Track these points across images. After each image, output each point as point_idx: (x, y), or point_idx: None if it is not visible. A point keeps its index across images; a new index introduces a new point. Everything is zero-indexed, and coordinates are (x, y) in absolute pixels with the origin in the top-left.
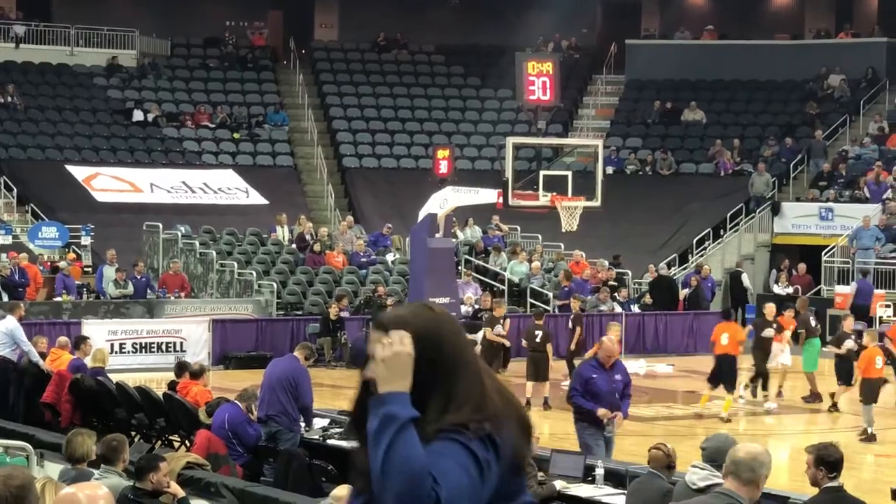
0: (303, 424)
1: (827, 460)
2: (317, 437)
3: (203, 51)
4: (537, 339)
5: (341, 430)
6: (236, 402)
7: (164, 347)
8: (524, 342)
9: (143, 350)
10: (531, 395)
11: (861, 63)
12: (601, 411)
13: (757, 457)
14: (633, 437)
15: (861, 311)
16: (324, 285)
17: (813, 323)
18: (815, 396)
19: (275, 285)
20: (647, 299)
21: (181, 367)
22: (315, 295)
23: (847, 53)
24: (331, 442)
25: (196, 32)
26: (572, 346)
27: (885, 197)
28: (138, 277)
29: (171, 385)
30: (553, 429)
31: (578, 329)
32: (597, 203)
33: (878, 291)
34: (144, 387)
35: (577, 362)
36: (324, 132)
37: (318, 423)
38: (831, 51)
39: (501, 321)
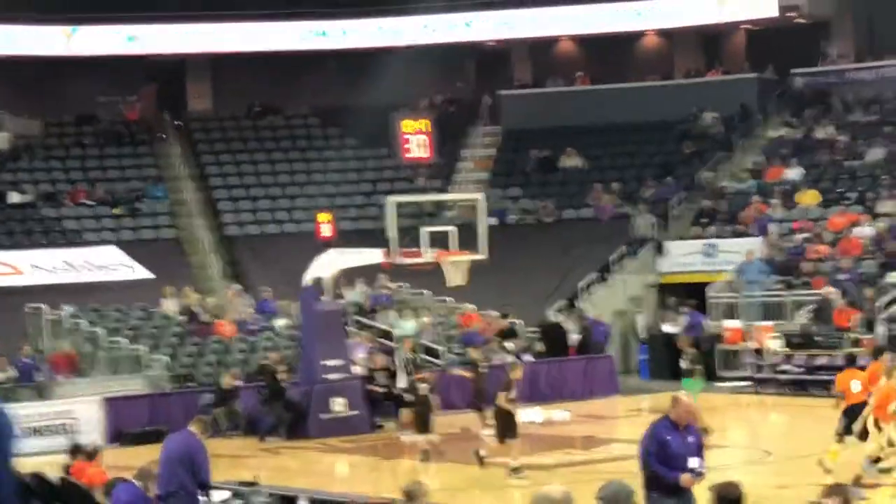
0: (202, 499)
1: (726, 498)
2: None
3: (77, 128)
4: (420, 392)
5: (242, 502)
6: (134, 480)
7: (56, 430)
8: (406, 396)
9: (35, 434)
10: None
11: (732, 99)
12: (684, 478)
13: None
14: (536, 486)
15: (694, 342)
16: (214, 355)
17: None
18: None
19: (165, 359)
20: (539, 347)
21: (75, 450)
22: (207, 366)
23: (718, 91)
24: None
25: (68, 110)
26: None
27: (769, 230)
28: (25, 361)
29: (66, 468)
30: (444, 482)
31: (474, 375)
32: (482, 256)
33: (766, 324)
34: (38, 472)
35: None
36: (204, 202)
37: (218, 496)
38: (702, 89)
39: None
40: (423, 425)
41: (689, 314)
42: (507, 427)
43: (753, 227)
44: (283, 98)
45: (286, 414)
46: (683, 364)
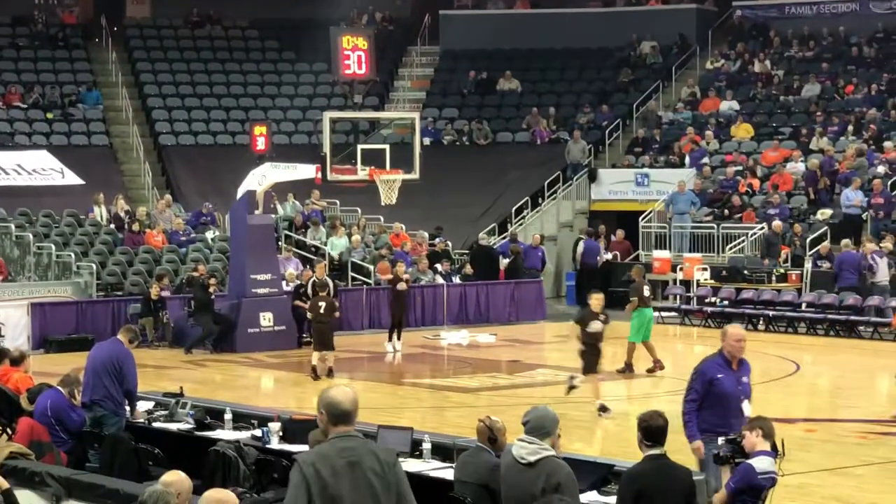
0: (127, 408)
1: (643, 427)
2: (142, 420)
3: (12, 29)
4: (321, 311)
5: (166, 412)
6: (59, 387)
7: None
8: (308, 314)
9: None
10: (317, 363)
11: (671, 29)
12: (694, 448)
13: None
14: (459, 408)
15: (589, 268)
16: (144, 265)
17: (647, 292)
18: (628, 367)
19: (94, 266)
20: (468, 270)
21: (1, 354)
22: (135, 275)
23: (658, 20)
24: (156, 425)
25: (4, 11)
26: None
27: (701, 161)
28: None
29: None
30: (368, 401)
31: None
32: (415, 175)
33: (694, 255)
34: None
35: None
36: (139, 110)
37: (143, 405)
38: (642, 18)
39: (601, 316)
40: (319, 342)
41: (585, 241)
42: (594, 359)
43: (686, 158)
44: (222, 8)
45: (214, 326)
46: (632, 295)
